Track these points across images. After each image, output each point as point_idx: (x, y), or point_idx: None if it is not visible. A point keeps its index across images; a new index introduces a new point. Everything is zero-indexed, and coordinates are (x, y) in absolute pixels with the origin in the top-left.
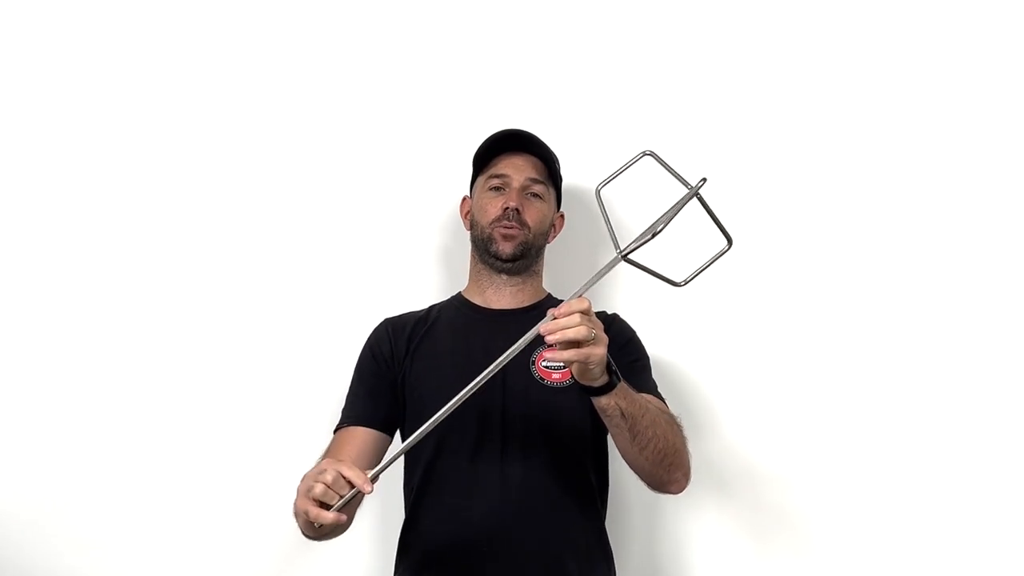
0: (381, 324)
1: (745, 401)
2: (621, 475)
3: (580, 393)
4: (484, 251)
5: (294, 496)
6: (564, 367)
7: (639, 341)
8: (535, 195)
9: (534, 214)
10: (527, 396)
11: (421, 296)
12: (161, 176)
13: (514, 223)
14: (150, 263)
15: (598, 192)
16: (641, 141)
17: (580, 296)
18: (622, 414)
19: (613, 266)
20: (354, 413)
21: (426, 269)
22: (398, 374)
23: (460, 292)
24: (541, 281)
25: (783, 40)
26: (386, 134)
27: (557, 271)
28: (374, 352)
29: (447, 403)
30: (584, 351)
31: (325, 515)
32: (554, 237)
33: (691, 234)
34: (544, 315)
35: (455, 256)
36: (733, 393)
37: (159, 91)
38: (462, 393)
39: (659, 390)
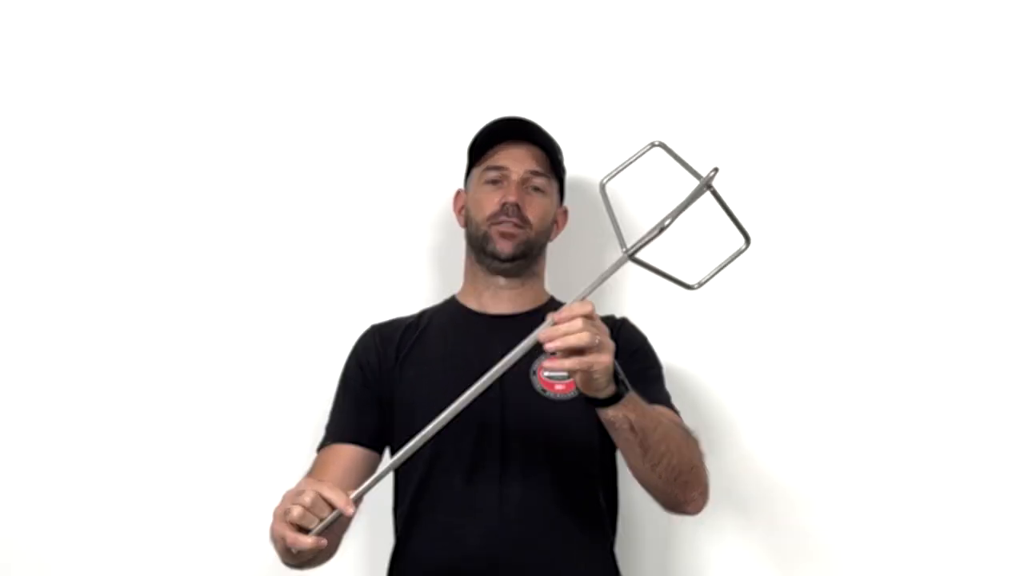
0: (367, 331)
1: (765, 414)
2: (632, 495)
3: (585, 404)
4: (480, 250)
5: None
6: (567, 377)
7: (651, 348)
8: (536, 189)
9: (535, 209)
10: (527, 409)
11: (411, 300)
12: (141, 179)
13: (514, 219)
14: (128, 265)
15: (603, 186)
16: (650, 131)
17: (583, 299)
18: (631, 427)
19: (619, 266)
20: (338, 429)
21: (417, 271)
22: (386, 385)
23: (454, 296)
24: (543, 283)
25: (801, 25)
26: (374, 123)
27: (560, 272)
28: (360, 362)
29: (440, 414)
30: (588, 359)
31: (303, 540)
32: (557, 234)
33: (705, 232)
34: (545, 320)
35: (448, 256)
36: (752, 405)
37: (141, 94)
38: (453, 407)
39: (673, 402)
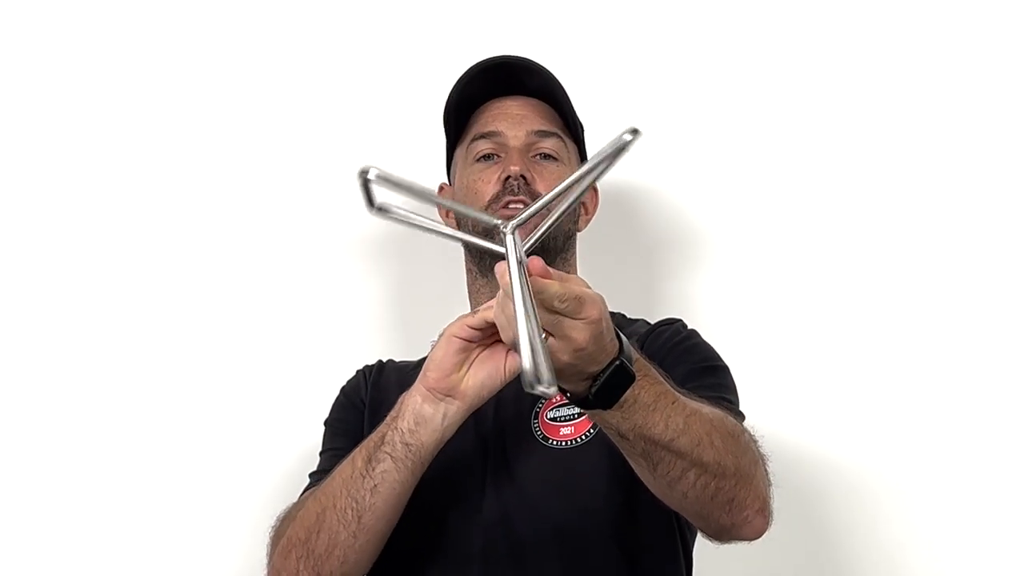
0: (361, 370)
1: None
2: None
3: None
4: (483, 254)
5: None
6: (580, 416)
7: (698, 342)
8: (547, 156)
9: (551, 181)
10: (526, 466)
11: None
12: (132, 183)
13: (521, 197)
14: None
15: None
16: (650, 129)
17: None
18: (620, 435)
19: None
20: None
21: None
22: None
23: None
24: None
25: (801, 22)
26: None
27: (600, 275)
28: (352, 400)
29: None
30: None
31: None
32: (587, 222)
33: None
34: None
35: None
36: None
37: (131, 96)
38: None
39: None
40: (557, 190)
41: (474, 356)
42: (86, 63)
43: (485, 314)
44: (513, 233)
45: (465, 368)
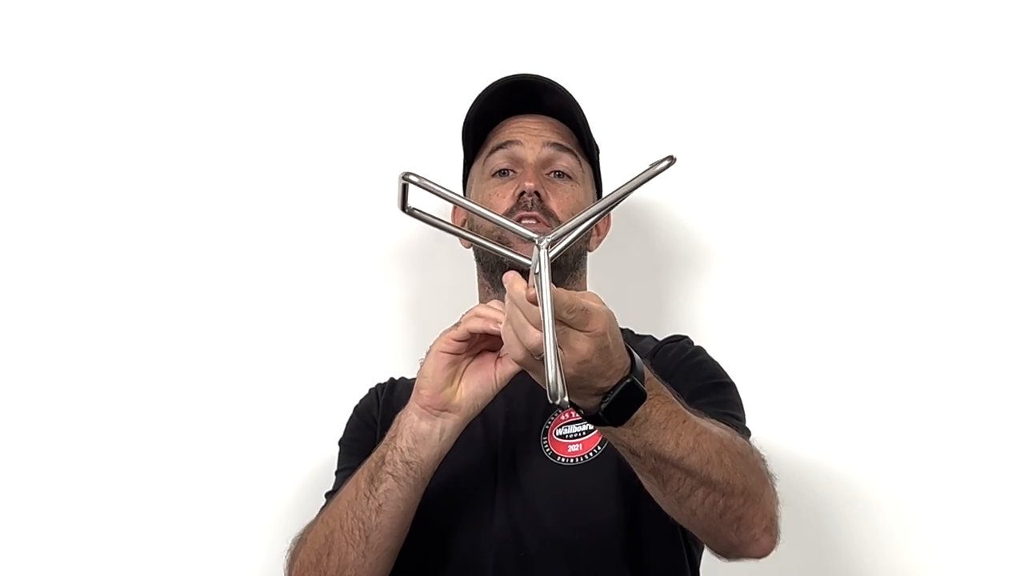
0: (373, 389)
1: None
2: None
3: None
4: (496, 268)
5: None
6: (588, 433)
7: (705, 359)
8: (562, 174)
9: (563, 200)
10: (535, 483)
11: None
12: (136, 183)
13: (535, 212)
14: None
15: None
16: (649, 135)
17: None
18: (632, 452)
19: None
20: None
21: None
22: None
23: None
24: None
25: (793, 45)
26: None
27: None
28: (364, 420)
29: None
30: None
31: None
32: (599, 243)
33: None
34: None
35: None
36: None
37: (131, 96)
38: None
39: (738, 412)
40: (594, 208)
41: (463, 368)
42: (119, 71)
43: (468, 325)
44: (547, 248)
45: (456, 381)
